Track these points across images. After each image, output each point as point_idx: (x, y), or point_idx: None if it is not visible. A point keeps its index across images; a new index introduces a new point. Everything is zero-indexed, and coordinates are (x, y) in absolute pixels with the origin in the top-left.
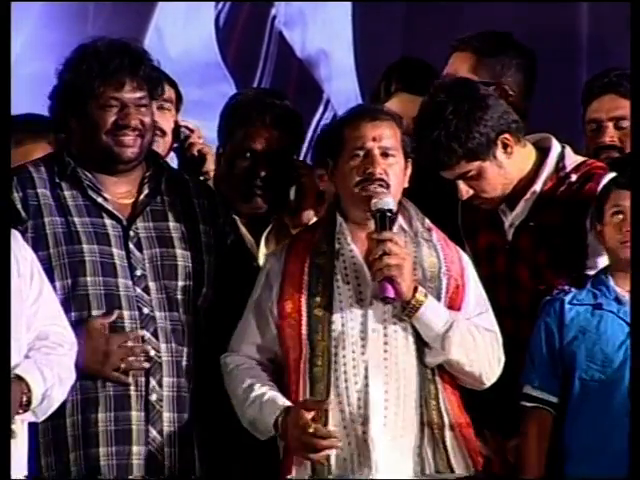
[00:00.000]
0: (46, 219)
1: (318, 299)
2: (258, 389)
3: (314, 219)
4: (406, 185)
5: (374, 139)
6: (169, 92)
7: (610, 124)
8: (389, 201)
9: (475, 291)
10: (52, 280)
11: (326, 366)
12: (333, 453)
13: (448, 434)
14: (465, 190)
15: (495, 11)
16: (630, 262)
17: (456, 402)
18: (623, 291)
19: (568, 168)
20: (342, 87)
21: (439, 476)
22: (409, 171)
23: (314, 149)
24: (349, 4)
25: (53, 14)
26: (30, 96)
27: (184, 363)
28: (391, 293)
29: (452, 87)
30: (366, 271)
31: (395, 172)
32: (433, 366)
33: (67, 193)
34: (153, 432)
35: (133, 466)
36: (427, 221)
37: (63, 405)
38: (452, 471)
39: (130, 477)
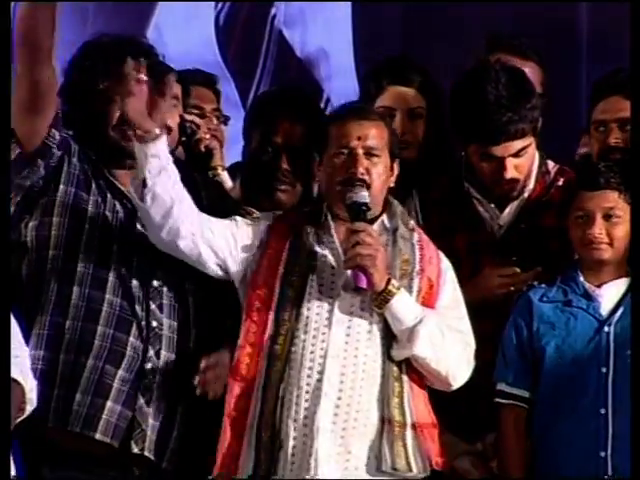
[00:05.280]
0: (62, 186)
1: (293, 279)
2: None
3: None
4: (392, 185)
5: (359, 138)
6: (176, 88)
7: (615, 125)
8: (364, 195)
9: (452, 295)
10: (47, 248)
11: (287, 346)
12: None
13: (409, 433)
14: (511, 168)
15: (495, 11)
16: (630, 262)
17: (423, 402)
18: (592, 287)
19: (552, 172)
20: (342, 86)
21: (396, 474)
22: (396, 171)
23: None
24: (349, 4)
25: None
26: None
27: (183, 343)
28: (364, 283)
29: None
30: (342, 263)
31: (378, 172)
32: (399, 360)
33: (87, 168)
34: (141, 400)
35: (100, 420)
36: (412, 223)
37: (61, 337)
38: (410, 470)
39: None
